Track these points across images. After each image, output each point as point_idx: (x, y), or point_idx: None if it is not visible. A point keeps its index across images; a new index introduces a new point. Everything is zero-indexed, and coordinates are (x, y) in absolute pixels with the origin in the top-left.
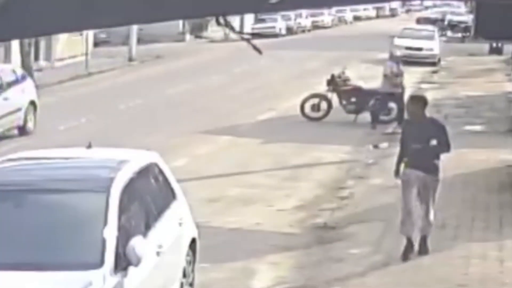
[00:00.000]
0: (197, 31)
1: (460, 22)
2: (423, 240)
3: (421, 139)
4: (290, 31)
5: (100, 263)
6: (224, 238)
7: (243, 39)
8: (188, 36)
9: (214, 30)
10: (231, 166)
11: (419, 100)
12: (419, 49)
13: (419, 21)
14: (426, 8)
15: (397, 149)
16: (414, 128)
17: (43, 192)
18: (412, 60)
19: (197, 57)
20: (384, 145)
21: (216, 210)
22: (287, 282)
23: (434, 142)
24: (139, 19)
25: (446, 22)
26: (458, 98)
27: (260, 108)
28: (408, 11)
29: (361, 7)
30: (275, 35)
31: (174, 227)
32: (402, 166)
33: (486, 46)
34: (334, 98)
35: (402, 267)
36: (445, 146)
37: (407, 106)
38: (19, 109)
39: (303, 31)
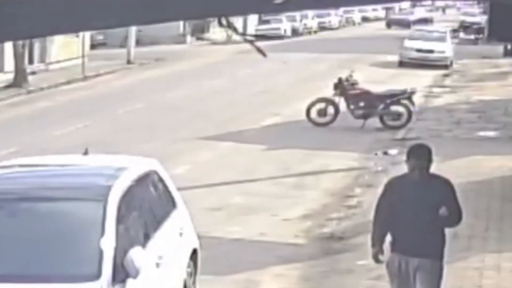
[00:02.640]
0: (199, 32)
1: (473, 23)
2: None
3: (422, 205)
4: (295, 32)
5: (97, 275)
6: (226, 249)
7: (246, 41)
8: (189, 38)
9: (216, 31)
10: (234, 173)
11: (426, 151)
12: (430, 51)
13: (389, 24)
14: (437, 9)
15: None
16: (409, 189)
17: (37, 201)
18: (423, 63)
19: (198, 60)
20: (394, 151)
21: (218, 220)
22: None
23: (444, 211)
24: (138, 20)
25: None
26: (471, 102)
27: (264, 113)
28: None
29: (369, 7)
30: (280, 37)
31: (175, 237)
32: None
33: (500, 48)
34: (341, 102)
35: None
36: (454, 216)
37: (409, 158)
38: None
39: (309, 33)
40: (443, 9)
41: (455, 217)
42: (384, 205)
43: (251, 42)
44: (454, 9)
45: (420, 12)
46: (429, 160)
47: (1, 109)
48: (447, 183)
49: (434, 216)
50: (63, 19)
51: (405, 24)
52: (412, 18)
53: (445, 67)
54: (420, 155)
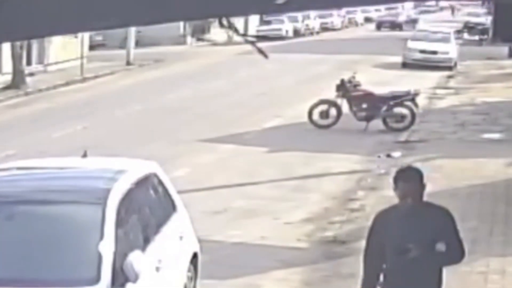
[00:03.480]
0: (199, 33)
1: (478, 24)
2: None
3: (416, 240)
4: (297, 33)
5: (96, 279)
6: (227, 253)
7: (247, 41)
8: (189, 39)
9: (216, 32)
10: (235, 176)
11: (417, 174)
12: (434, 52)
13: (379, 26)
14: (441, 9)
15: (410, 159)
16: (399, 223)
17: (35, 204)
18: (427, 64)
19: (198, 61)
20: (397, 154)
21: (219, 223)
22: None
23: (441, 246)
24: (138, 21)
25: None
26: (475, 104)
27: (265, 115)
28: (422, 12)
29: (372, 8)
30: (282, 38)
31: (175, 241)
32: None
33: (505, 49)
34: (344, 104)
35: None
36: (455, 251)
37: (397, 184)
38: None
39: (311, 33)
40: (452, 10)
41: (456, 254)
42: (373, 245)
43: (252, 43)
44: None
45: (408, 13)
46: (422, 185)
47: None
48: (445, 213)
49: (430, 254)
50: (61, 20)
51: (395, 25)
52: (402, 19)
53: (449, 68)
54: (410, 177)
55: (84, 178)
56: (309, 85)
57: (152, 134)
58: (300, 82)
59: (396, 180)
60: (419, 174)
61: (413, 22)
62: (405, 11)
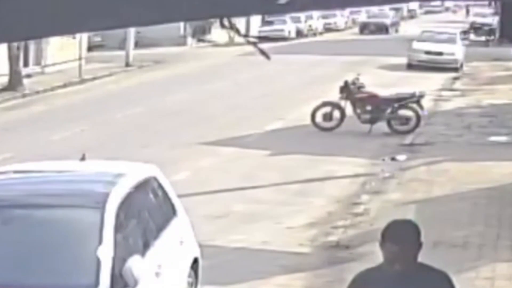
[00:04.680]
0: (200, 34)
1: (484, 25)
2: None
3: None
4: (300, 34)
5: (95, 285)
6: (228, 258)
7: (249, 42)
8: (189, 40)
9: (217, 33)
10: (236, 180)
11: (412, 231)
12: (440, 53)
13: (362, 30)
14: (446, 9)
15: (415, 163)
16: (389, 285)
17: (33, 208)
18: (432, 65)
19: (199, 62)
20: (402, 157)
21: (220, 228)
22: None
23: None
24: (137, 21)
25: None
26: (481, 106)
27: (267, 117)
28: (427, 12)
29: (376, 8)
30: (284, 39)
31: (175, 246)
32: None
33: None
34: (347, 106)
35: None
36: None
37: (384, 242)
38: None
39: (314, 34)
40: (467, 10)
41: None
42: None
43: (254, 44)
44: (451, 11)
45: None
46: (417, 245)
47: None
48: (444, 279)
49: None
50: (60, 20)
51: (382, 28)
52: (389, 21)
53: (455, 69)
54: (402, 238)
55: (82, 182)
56: (312, 87)
57: (151, 136)
58: (302, 83)
59: (383, 236)
60: (415, 232)
61: (394, 25)
62: (392, 12)
